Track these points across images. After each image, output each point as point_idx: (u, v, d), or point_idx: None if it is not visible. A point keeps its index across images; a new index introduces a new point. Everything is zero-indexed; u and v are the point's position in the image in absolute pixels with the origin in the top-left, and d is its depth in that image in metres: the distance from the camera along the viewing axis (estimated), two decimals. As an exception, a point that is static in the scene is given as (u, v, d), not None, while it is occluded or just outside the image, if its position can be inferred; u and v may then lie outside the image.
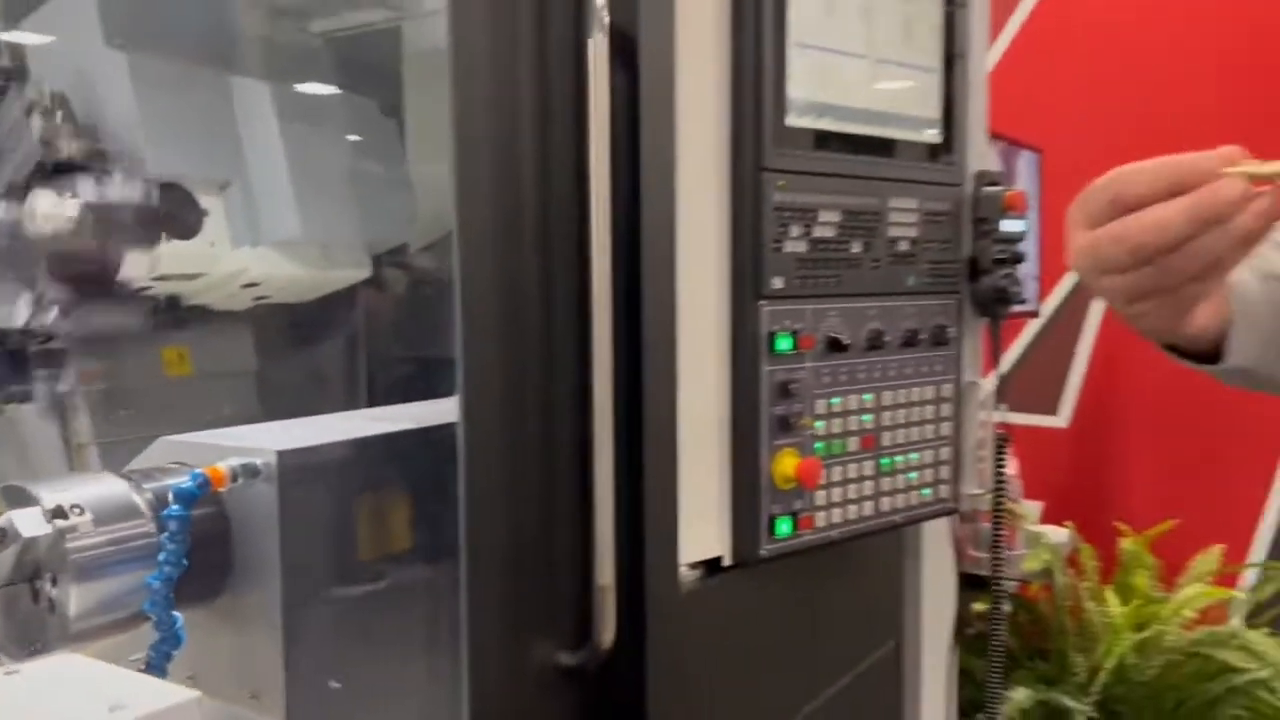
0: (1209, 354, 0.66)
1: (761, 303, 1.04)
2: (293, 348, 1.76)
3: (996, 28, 2.73)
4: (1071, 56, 2.65)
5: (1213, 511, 2.33)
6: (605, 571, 0.91)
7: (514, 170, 0.89)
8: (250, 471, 0.89)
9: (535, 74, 0.89)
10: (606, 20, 0.88)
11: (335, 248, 1.60)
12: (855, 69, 1.11)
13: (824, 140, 1.08)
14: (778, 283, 1.05)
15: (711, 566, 1.07)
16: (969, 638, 2.11)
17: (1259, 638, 1.91)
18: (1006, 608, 2.17)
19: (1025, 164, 2.23)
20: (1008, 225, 1.26)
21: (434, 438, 1.03)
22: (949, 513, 1.28)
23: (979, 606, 2.01)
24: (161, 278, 1.40)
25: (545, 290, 0.91)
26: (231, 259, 1.46)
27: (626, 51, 0.91)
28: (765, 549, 1.06)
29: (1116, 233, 0.52)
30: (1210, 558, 2.15)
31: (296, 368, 1.77)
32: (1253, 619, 2.08)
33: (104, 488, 0.87)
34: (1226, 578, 2.26)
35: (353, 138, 1.67)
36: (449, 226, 1.74)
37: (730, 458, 1.06)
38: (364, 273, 1.65)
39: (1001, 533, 1.35)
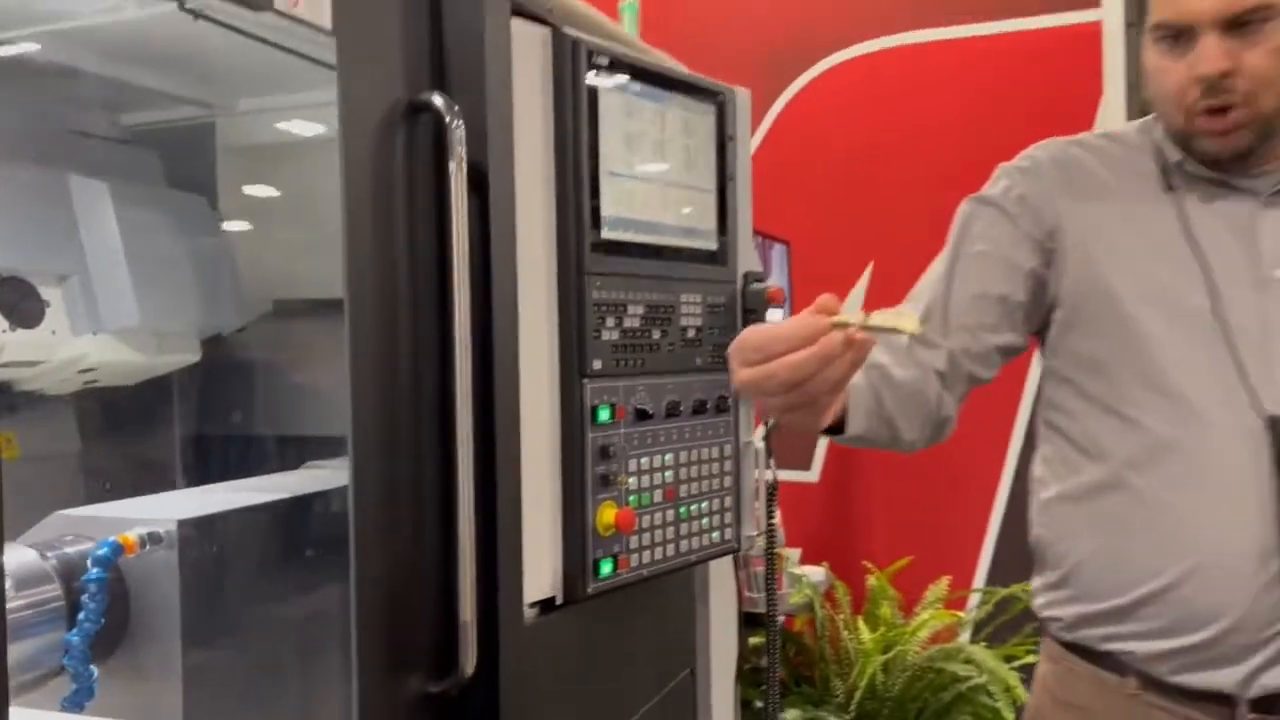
0: (837, 427, 1.01)
1: (585, 381, 1.27)
2: (114, 429, 1.82)
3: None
4: (812, 158, 3.06)
5: (941, 547, 2.75)
6: (467, 609, 1.10)
7: (391, 279, 1.08)
8: (155, 539, 1.02)
9: (407, 202, 1.09)
10: (464, 155, 1.09)
11: (168, 333, 1.69)
12: (652, 192, 1.38)
13: (630, 249, 1.33)
14: (597, 364, 1.28)
15: (546, 605, 1.27)
16: (745, 671, 2.39)
17: (979, 651, 2.29)
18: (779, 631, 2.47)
19: (777, 255, 2.59)
20: (771, 314, 1.56)
21: (309, 504, 1.18)
22: (733, 551, 1.54)
23: (755, 641, 2.30)
24: (3, 365, 1.46)
25: (416, 379, 1.10)
26: (70, 346, 1.53)
27: (478, 180, 1.13)
28: (591, 587, 1.27)
29: (770, 371, 0.76)
30: (940, 587, 2.54)
31: (117, 448, 1.82)
32: (976, 636, 2.48)
33: (15, 556, 0.98)
34: (957, 602, 2.67)
35: (184, 227, 1.77)
36: (263, 309, 1.89)
37: (561, 510, 1.27)
38: (194, 356, 1.75)
39: (775, 568, 1.62)
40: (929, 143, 2.89)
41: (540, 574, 1.25)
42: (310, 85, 1.27)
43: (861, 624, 2.43)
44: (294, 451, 1.61)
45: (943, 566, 2.67)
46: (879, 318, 0.77)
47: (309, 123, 1.53)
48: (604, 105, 1.29)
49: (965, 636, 2.52)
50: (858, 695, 2.28)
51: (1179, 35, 1.06)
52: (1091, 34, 2.83)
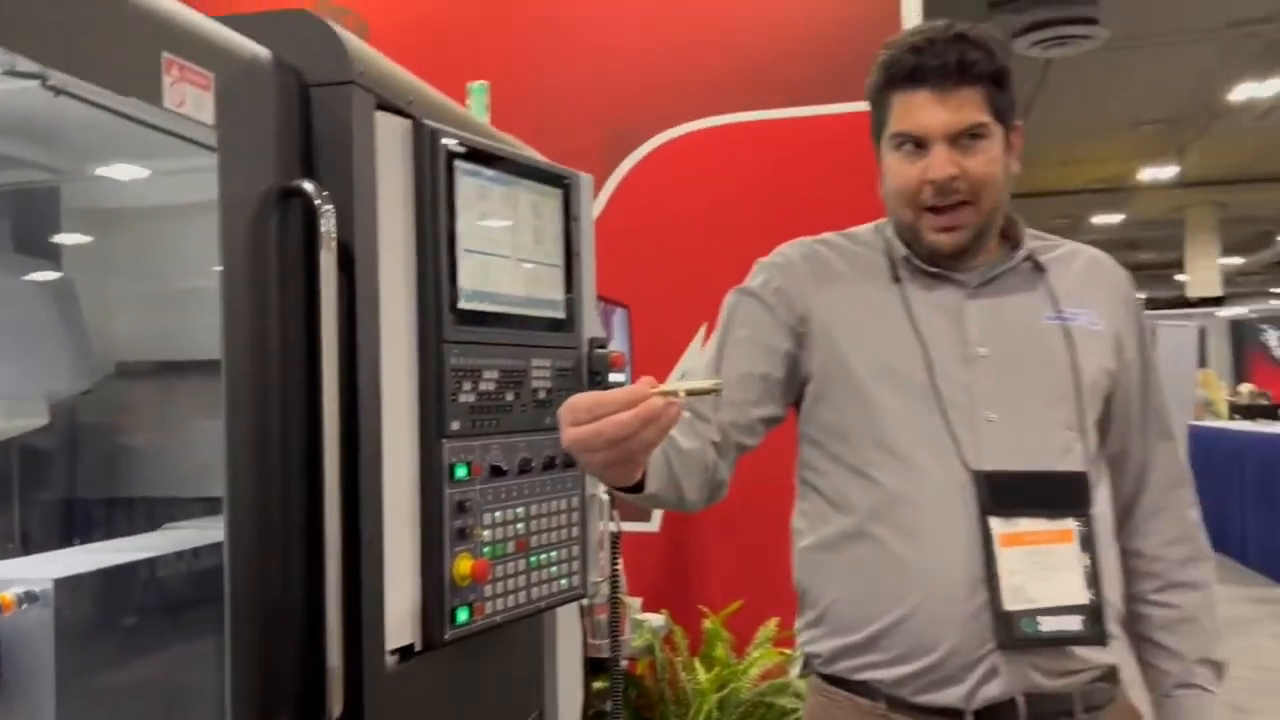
0: (635, 486, 1.12)
1: (444, 441, 1.37)
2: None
3: (589, 203, 3.26)
4: (648, 227, 3.24)
5: (769, 590, 2.92)
6: (334, 655, 1.18)
7: (264, 347, 1.17)
8: (31, 597, 1.06)
9: (280, 277, 1.18)
10: (333, 235, 1.20)
11: (15, 397, 1.70)
12: (504, 267, 1.50)
13: (485, 318, 1.45)
14: (455, 425, 1.39)
15: (406, 651, 1.36)
16: (590, 715, 2.49)
17: (802, 684, 2.47)
18: (622, 674, 2.59)
19: (619, 318, 2.74)
20: (614, 376, 1.70)
21: (180, 561, 1.24)
22: (580, 597, 1.67)
23: (599, 685, 2.41)
24: None
25: (286, 439, 1.19)
26: (-82, 413, 1.53)
27: (346, 258, 1.24)
28: (449, 634, 1.37)
29: (599, 430, 0.89)
30: (769, 628, 2.72)
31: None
32: (804, 670, 2.66)
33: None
34: (786, 641, 2.84)
35: (29, 291, 1.78)
36: (106, 371, 1.92)
37: (421, 562, 1.36)
38: (42, 420, 1.75)
39: (619, 614, 1.75)
40: (751, 211, 3.10)
41: (401, 622, 1.34)
42: (164, 153, 1.31)
43: (698, 665, 2.57)
44: (143, 513, 1.64)
45: (771, 608, 2.85)
46: (688, 383, 0.94)
47: (158, 189, 1.57)
48: (460, 189, 1.42)
49: (795, 671, 2.70)
50: (696, 734, 2.42)
51: (915, 144, 1.23)
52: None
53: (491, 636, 1.47)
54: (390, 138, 1.34)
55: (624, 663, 2.53)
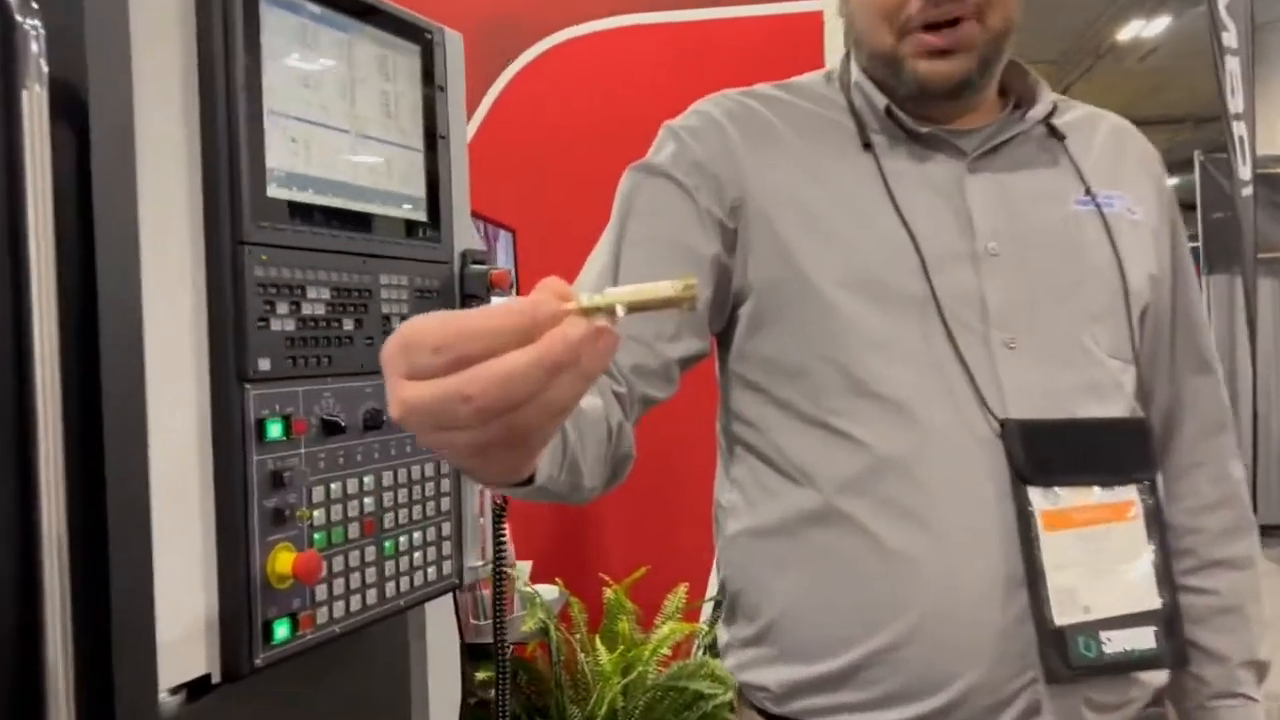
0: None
1: (247, 386, 0.96)
2: None
3: (468, 111, 2.85)
4: (536, 142, 2.84)
5: (675, 554, 2.60)
6: (60, 709, 0.77)
7: (-77, 240, 0.73)
8: None
9: (-49, 126, 0.74)
10: (46, 70, 0.76)
11: None
12: (337, 143, 1.08)
13: (308, 213, 1.03)
14: (264, 364, 0.97)
15: (199, 686, 0.95)
16: (471, 706, 2.12)
17: (721, 666, 2.14)
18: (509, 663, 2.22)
19: (503, 244, 2.33)
20: (495, 300, 1.30)
21: None
22: (454, 587, 1.27)
23: (482, 675, 2.04)
24: None
25: (-28, 385, 0.75)
26: None
27: (73, 107, 0.80)
28: (261, 658, 0.97)
29: (461, 391, 0.42)
30: (678, 597, 2.38)
31: None
32: (715, 648, 2.34)
33: None
34: (692, 612, 2.53)
35: None
36: None
37: (217, 562, 0.95)
38: None
39: (505, 595, 1.37)
40: (655, 126, 2.74)
41: (187, 649, 0.93)
42: None
43: (599, 643, 2.22)
44: None
45: (679, 574, 2.51)
46: (633, 290, 0.47)
47: None
48: (268, 24, 0.99)
49: (700, 651, 2.38)
50: (597, 723, 2.08)
51: None
52: (814, 23, 2.80)
53: (332, 646, 1.07)
54: (152, -65, 0.90)
55: (510, 649, 2.16)
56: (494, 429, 0.44)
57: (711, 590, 2.64)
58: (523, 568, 2.47)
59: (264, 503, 0.97)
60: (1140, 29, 10.05)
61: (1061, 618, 0.83)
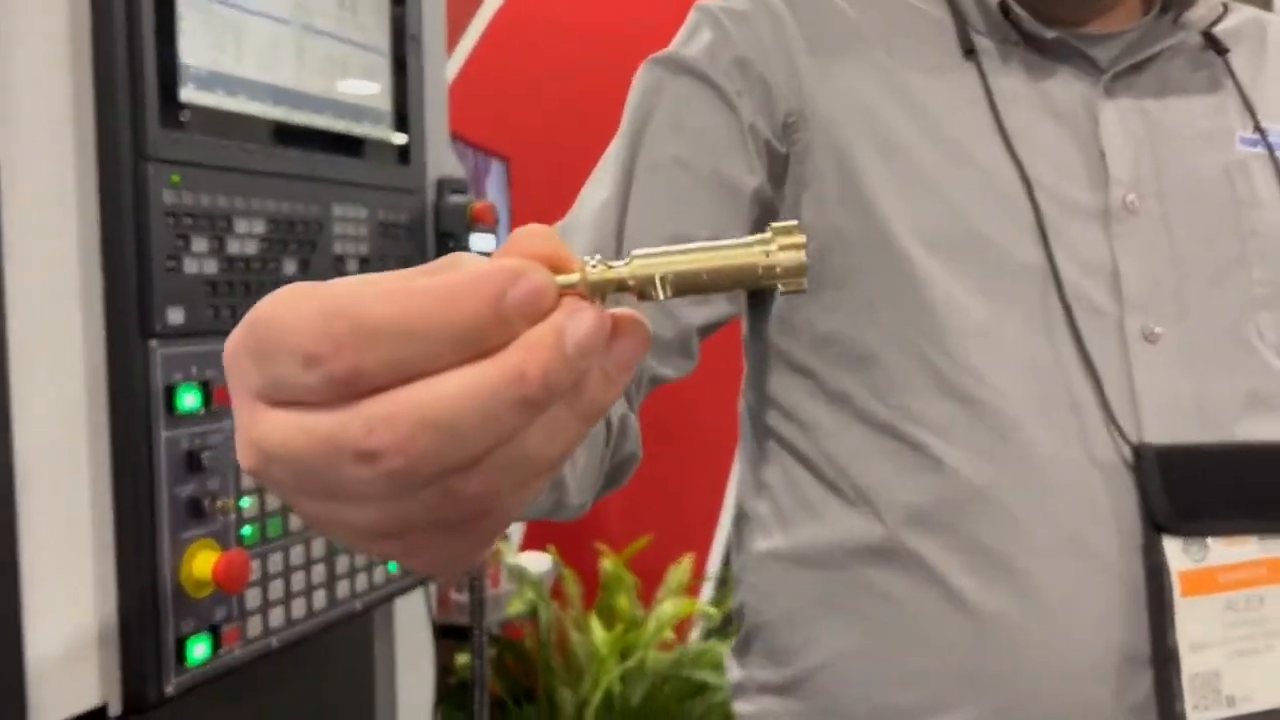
0: None
1: (153, 343, 0.75)
2: None
3: (456, 31, 2.62)
4: (535, 64, 2.62)
5: (679, 523, 2.41)
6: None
7: None
8: None
9: None
10: None
11: None
12: (279, 37, 0.86)
13: (237, 125, 0.82)
14: (176, 315, 0.77)
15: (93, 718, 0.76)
16: (452, 687, 1.94)
17: (726, 648, 1.97)
18: (490, 651, 2.04)
19: (495, 174, 2.11)
20: (476, 240, 1.09)
21: None
22: (420, 583, 1.08)
23: (463, 658, 1.86)
24: None
25: None
26: None
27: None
28: (173, 685, 0.77)
29: (358, 440, 0.23)
30: (682, 569, 2.20)
31: None
32: (725, 629, 2.16)
33: None
34: (696, 587, 2.35)
35: None
36: None
37: (115, 566, 0.75)
38: None
39: (478, 583, 1.18)
40: (665, 43, 2.52)
41: (73, 677, 0.73)
42: None
43: (595, 622, 2.03)
44: None
45: (683, 544, 2.33)
46: (692, 257, 0.26)
47: None
48: (181, -125, 0.76)
49: (697, 634, 2.20)
50: (590, 711, 1.90)
51: None
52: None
53: (274, 660, 0.88)
54: None
55: (498, 629, 1.98)
56: (421, 502, 0.24)
57: (714, 563, 2.45)
58: (513, 533, 2.29)
59: (176, 491, 0.77)
60: None
61: (1196, 711, 0.62)
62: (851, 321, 0.69)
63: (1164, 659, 0.62)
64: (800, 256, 0.27)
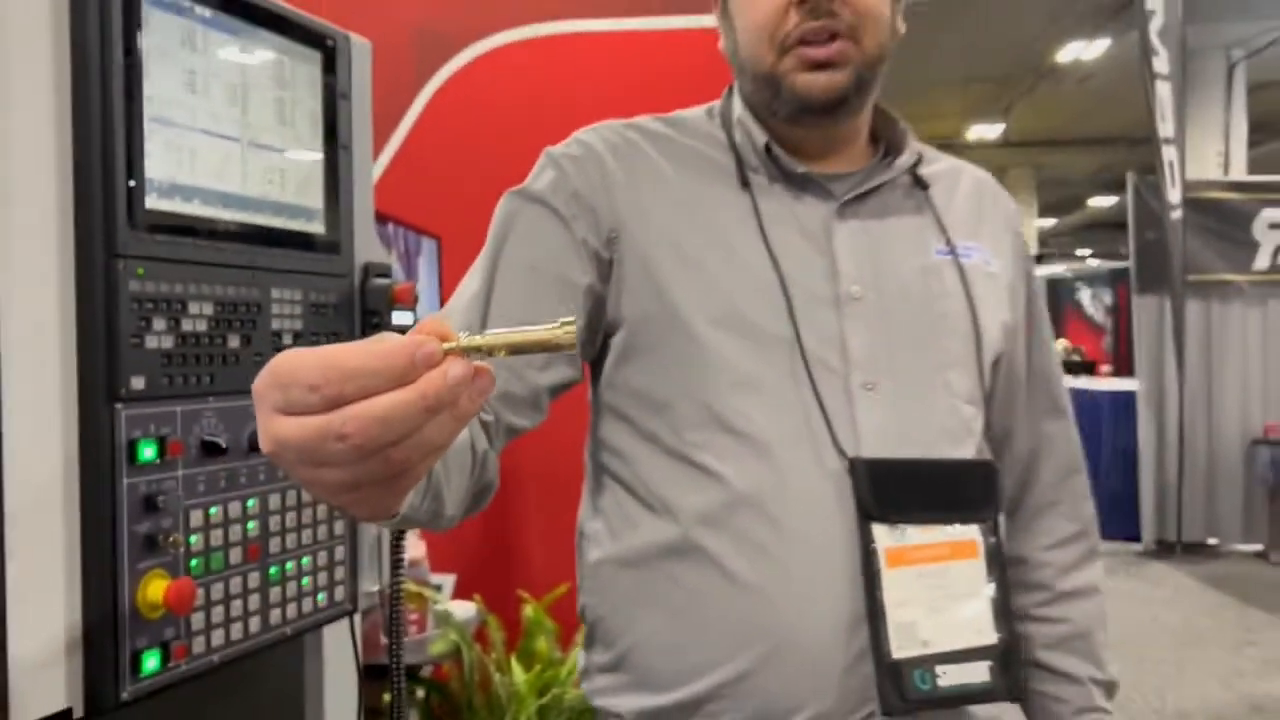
0: None
1: (118, 406, 0.91)
2: None
3: (391, 121, 2.79)
4: (464, 148, 2.80)
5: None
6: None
7: None
8: None
9: None
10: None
11: None
12: (227, 152, 1.04)
13: (192, 226, 0.99)
14: (138, 383, 0.93)
15: (60, 721, 0.90)
16: (381, 728, 2.06)
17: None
18: (419, 693, 2.17)
19: (427, 252, 2.29)
20: (397, 316, 1.26)
21: None
22: (348, 613, 1.23)
23: (391, 696, 1.99)
24: None
25: None
26: None
27: (-79, 110, 0.75)
28: (128, 691, 0.92)
29: (336, 429, 0.43)
30: (600, 613, 2.35)
31: None
32: None
33: None
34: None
35: None
36: None
37: (82, 589, 0.91)
38: None
39: (399, 624, 1.33)
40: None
41: (45, 681, 0.88)
42: None
43: (515, 663, 2.18)
44: None
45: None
46: (511, 331, 0.46)
47: None
48: (151, 26, 0.94)
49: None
50: (512, 743, 2.04)
51: None
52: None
53: (217, 676, 1.03)
54: (18, -71, 0.85)
55: (428, 669, 2.12)
56: (368, 466, 0.44)
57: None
58: (446, 582, 2.43)
59: (134, 528, 0.93)
60: (1080, 50, 10.28)
61: (899, 652, 0.84)
62: (655, 379, 0.91)
63: (876, 613, 0.84)
64: (573, 335, 0.47)
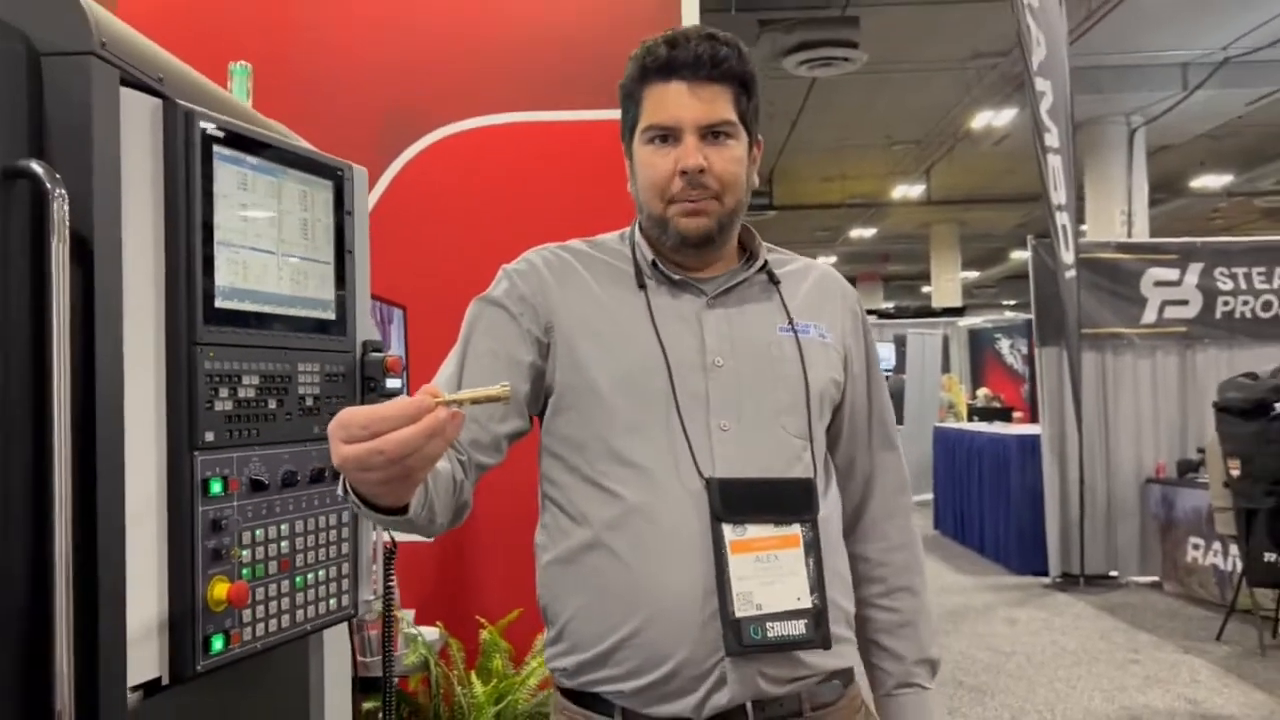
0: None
1: (196, 453, 1.25)
2: None
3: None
4: (427, 224, 3.13)
5: (548, 599, 2.90)
6: (63, 697, 1.05)
7: (-21, 350, 1.01)
8: None
9: (1, 271, 1.04)
10: (67, 225, 1.06)
11: None
12: (267, 263, 1.39)
13: (245, 319, 1.34)
14: (210, 436, 1.27)
15: (152, 686, 1.23)
16: (362, 733, 2.36)
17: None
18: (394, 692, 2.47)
19: (395, 320, 2.63)
20: (390, 382, 1.61)
21: None
22: (350, 616, 1.57)
23: (370, 704, 2.29)
24: None
25: (6, 455, 1.04)
26: None
27: (82, 250, 1.10)
28: (201, 665, 1.25)
29: (378, 447, 0.84)
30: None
31: None
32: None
33: None
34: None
35: None
36: None
37: (169, 587, 1.24)
38: None
39: (392, 627, 1.66)
40: (533, 212, 3.06)
41: (146, 655, 1.21)
42: None
43: (474, 678, 2.50)
44: None
45: (551, 616, 2.81)
46: (471, 392, 0.89)
47: None
48: (218, 177, 1.30)
49: None
50: (471, 747, 2.34)
51: (666, 137, 1.25)
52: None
53: (251, 664, 1.36)
54: (138, 118, 1.21)
55: (396, 680, 2.43)
56: (394, 470, 0.86)
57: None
58: (408, 615, 2.74)
59: (206, 544, 1.26)
60: (991, 118, 10.94)
61: (739, 612, 1.19)
62: (575, 427, 1.29)
63: (723, 586, 1.19)
64: (509, 392, 0.88)
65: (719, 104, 1.25)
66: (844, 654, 1.29)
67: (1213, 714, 4.12)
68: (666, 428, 1.24)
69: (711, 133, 1.25)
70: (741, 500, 1.22)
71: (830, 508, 1.32)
